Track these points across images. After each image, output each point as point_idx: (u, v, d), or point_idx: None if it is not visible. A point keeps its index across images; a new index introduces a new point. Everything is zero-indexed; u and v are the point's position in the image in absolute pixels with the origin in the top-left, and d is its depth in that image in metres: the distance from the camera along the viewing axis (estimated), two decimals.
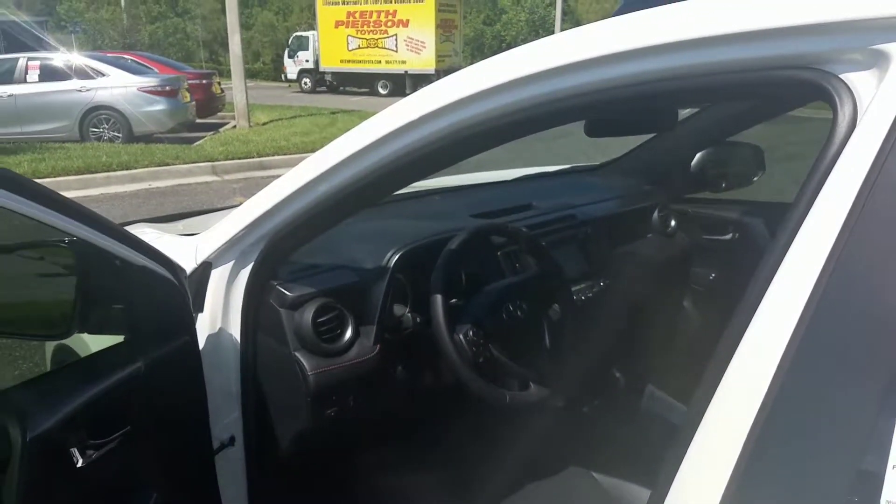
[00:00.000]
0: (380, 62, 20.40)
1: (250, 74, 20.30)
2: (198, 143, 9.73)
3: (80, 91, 9.43)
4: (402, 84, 19.34)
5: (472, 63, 0.98)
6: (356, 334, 1.36)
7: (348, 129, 1.08)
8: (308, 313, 1.30)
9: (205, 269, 1.25)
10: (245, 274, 1.25)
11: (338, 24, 20.60)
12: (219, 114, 13.03)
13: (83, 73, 9.52)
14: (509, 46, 0.90)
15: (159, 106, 9.65)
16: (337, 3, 20.51)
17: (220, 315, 1.26)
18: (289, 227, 1.19)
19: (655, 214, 2.10)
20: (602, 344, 1.79)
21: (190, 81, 11.05)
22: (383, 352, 1.39)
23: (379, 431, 1.61)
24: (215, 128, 11.71)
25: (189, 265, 1.24)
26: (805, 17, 0.63)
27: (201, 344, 1.20)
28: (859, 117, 0.61)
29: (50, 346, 1.82)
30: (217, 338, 1.26)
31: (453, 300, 1.45)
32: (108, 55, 11.93)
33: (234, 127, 11.54)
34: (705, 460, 0.64)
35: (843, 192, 0.59)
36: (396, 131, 0.99)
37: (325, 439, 1.47)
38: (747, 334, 0.63)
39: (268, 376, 1.33)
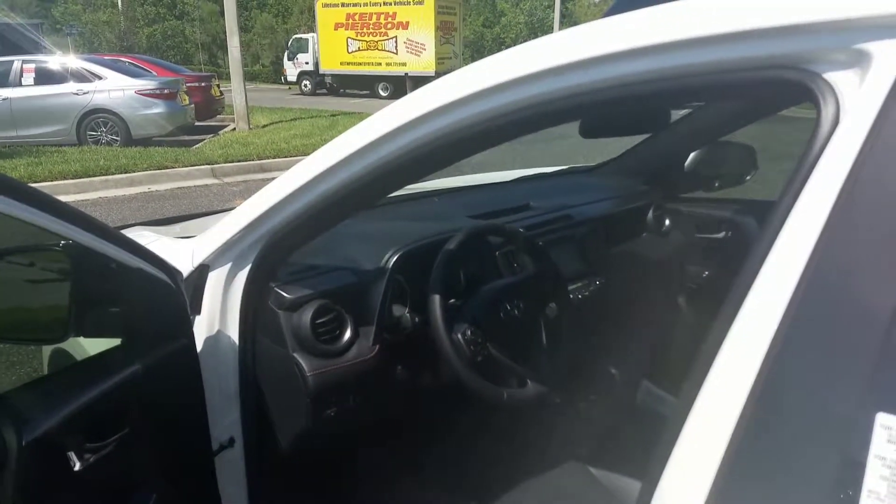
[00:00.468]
0: (380, 64, 20.38)
1: (250, 77, 20.31)
2: (197, 145, 9.71)
3: (76, 94, 9.34)
4: (403, 86, 19.27)
5: None
6: (355, 335, 1.37)
7: None
8: (307, 314, 1.31)
9: (201, 271, 1.26)
10: (242, 276, 1.25)
11: (337, 26, 20.58)
12: (218, 116, 13.01)
13: (80, 76, 9.45)
14: (509, 48, 0.90)
15: (158, 109, 9.59)
16: (336, 6, 20.48)
17: (217, 317, 1.26)
18: (286, 229, 1.18)
19: (650, 214, 2.12)
20: (598, 341, 1.79)
21: (188, 84, 11.01)
22: (382, 352, 1.40)
23: (378, 431, 1.62)
24: (214, 130, 11.69)
25: (186, 268, 1.24)
26: (789, 18, 0.64)
27: (199, 346, 1.20)
28: (841, 116, 0.62)
29: (47, 350, 1.82)
30: (215, 340, 1.27)
31: (452, 300, 1.46)
32: (105, 58, 11.89)
33: (234, 129, 11.53)
34: (695, 450, 0.66)
35: (826, 190, 0.60)
36: (391, 133, 0.99)
37: (324, 440, 1.48)
38: (733, 328, 0.64)
39: (267, 378, 1.33)
